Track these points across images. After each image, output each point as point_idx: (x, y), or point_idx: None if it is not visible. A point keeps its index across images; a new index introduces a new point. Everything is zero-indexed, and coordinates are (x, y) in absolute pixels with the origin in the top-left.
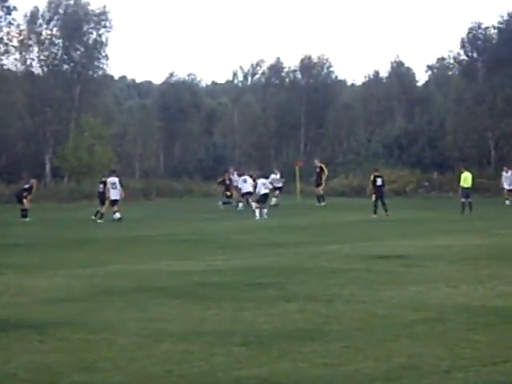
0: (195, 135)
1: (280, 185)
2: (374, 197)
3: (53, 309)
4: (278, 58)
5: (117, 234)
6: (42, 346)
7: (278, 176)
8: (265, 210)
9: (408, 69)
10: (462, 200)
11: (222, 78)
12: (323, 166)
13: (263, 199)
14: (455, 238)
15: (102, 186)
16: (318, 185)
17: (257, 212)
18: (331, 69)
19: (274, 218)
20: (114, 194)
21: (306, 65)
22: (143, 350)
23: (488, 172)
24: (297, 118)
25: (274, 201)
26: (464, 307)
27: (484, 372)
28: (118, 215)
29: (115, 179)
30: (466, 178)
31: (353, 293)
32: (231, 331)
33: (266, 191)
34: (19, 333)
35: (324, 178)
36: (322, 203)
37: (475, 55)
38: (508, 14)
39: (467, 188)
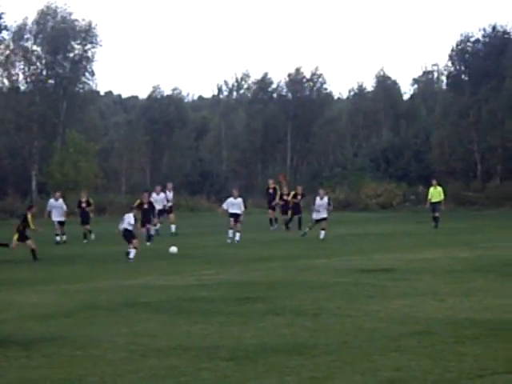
0: (182, 150)
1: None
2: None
3: (40, 325)
4: (266, 73)
5: (104, 249)
6: (30, 361)
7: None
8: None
9: (394, 82)
10: (432, 215)
11: (208, 93)
12: (277, 187)
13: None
14: (442, 251)
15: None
16: (273, 207)
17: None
18: (324, 85)
19: (260, 233)
20: (58, 215)
21: (294, 79)
22: (130, 365)
23: (474, 185)
24: (283, 133)
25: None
26: (451, 320)
27: None
28: (58, 238)
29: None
30: (433, 193)
31: (340, 306)
32: (218, 346)
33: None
34: (6, 349)
35: (277, 199)
36: (275, 226)
37: (462, 68)
38: (491, 27)
39: (435, 202)
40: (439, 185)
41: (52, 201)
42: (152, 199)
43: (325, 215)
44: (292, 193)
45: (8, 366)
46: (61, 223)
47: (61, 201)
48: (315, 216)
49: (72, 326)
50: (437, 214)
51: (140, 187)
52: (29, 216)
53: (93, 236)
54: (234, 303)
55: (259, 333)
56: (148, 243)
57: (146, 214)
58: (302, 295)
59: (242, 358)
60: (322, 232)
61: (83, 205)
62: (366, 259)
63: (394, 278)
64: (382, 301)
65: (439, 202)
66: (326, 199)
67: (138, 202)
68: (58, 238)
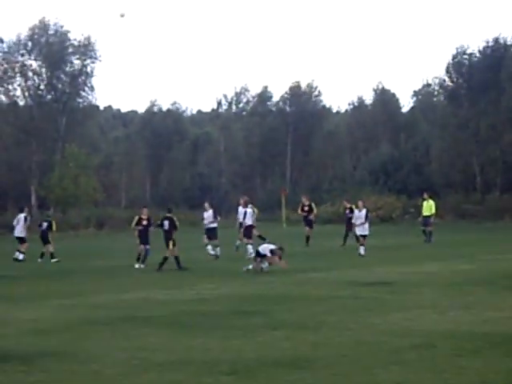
0: (181, 164)
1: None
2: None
3: (39, 340)
4: (266, 87)
5: (103, 263)
6: (28, 377)
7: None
8: None
9: (392, 95)
10: (422, 228)
11: (207, 107)
12: (313, 204)
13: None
14: (442, 264)
15: (45, 224)
16: (311, 225)
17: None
18: (320, 97)
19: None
20: (18, 232)
21: (295, 93)
22: (130, 380)
23: (474, 197)
24: (283, 146)
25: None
26: (451, 333)
27: None
28: (20, 256)
29: (21, 216)
30: (425, 207)
31: (340, 320)
32: (218, 360)
33: None
34: (5, 364)
35: (312, 216)
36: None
37: (460, 81)
38: (493, 40)
39: (426, 216)
40: (431, 198)
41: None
42: (239, 214)
43: (366, 232)
44: (349, 206)
45: (7, 381)
46: (19, 239)
47: (21, 216)
48: (357, 231)
49: (71, 341)
50: (429, 228)
51: (139, 201)
52: (175, 218)
53: (46, 259)
54: (234, 317)
55: (259, 346)
56: (141, 265)
57: (145, 232)
58: (301, 309)
59: (242, 372)
60: (362, 247)
61: (43, 228)
62: (366, 272)
63: (394, 290)
64: (382, 314)
65: (430, 216)
66: (364, 211)
67: (137, 218)
68: (18, 254)
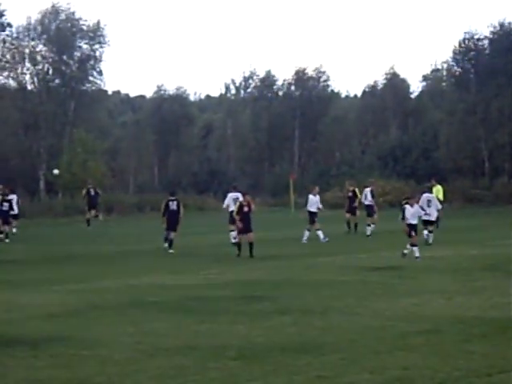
0: (189, 149)
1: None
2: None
3: (46, 324)
4: (269, 71)
5: (110, 248)
6: (36, 361)
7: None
8: None
9: (403, 80)
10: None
11: (215, 92)
12: (356, 190)
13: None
14: (450, 249)
15: (6, 204)
16: (353, 212)
17: None
18: (328, 82)
19: (266, 232)
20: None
21: (301, 77)
22: (137, 365)
23: (482, 183)
24: (290, 131)
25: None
26: (459, 318)
27: (479, 383)
28: None
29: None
30: (434, 193)
31: (347, 305)
32: (225, 345)
33: None
34: (13, 349)
35: (356, 203)
36: (350, 229)
37: (467, 66)
38: (500, 24)
39: None
40: (439, 183)
41: None
42: (309, 200)
43: (433, 218)
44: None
45: (15, 366)
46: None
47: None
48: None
49: (79, 326)
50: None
51: (148, 186)
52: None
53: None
54: (241, 302)
55: (266, 332)
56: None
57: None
58: (308, 294)
59: (249, 357)
60: (431, 235)
61: (5, 208)
62: (374, 257)
63: (401, 275)
64: (389, 299)
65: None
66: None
67: (238, 205)
68: None
